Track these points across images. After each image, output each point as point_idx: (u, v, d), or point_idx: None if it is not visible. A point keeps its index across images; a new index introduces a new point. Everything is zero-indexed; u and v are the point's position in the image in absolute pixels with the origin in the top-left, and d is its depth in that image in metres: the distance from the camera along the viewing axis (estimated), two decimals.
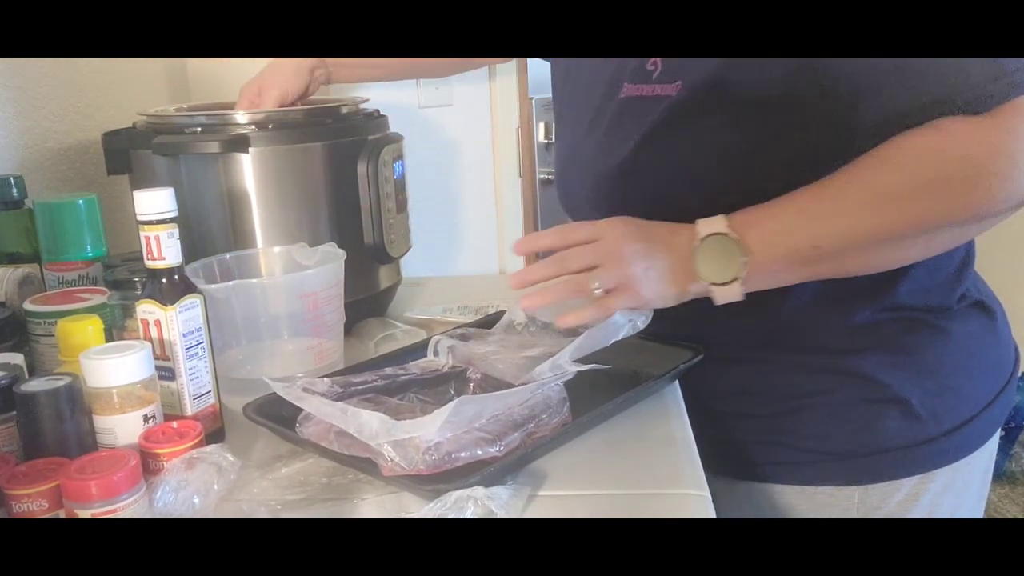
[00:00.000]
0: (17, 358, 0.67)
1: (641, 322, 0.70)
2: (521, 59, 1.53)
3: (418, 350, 0.80)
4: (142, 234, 0.66)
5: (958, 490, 0.79)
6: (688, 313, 0.70)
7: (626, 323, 0.70)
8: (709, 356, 0.78)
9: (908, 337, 0.76)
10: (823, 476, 0.78)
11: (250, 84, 0.97)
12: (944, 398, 0.76)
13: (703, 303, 0.68)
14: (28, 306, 0.72)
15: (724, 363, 0.79)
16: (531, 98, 1.58)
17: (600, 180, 0.78)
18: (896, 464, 0.76)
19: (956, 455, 0.77)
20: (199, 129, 0.87)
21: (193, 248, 0.88)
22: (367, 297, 0.98)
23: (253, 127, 0.87)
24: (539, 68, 1.59)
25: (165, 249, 0.66)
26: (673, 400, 0.74)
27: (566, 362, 0.67)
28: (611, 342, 0.72)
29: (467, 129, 1.47)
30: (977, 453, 0.79)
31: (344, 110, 0.95)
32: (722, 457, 0.78)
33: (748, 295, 0.67)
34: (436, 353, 0.76)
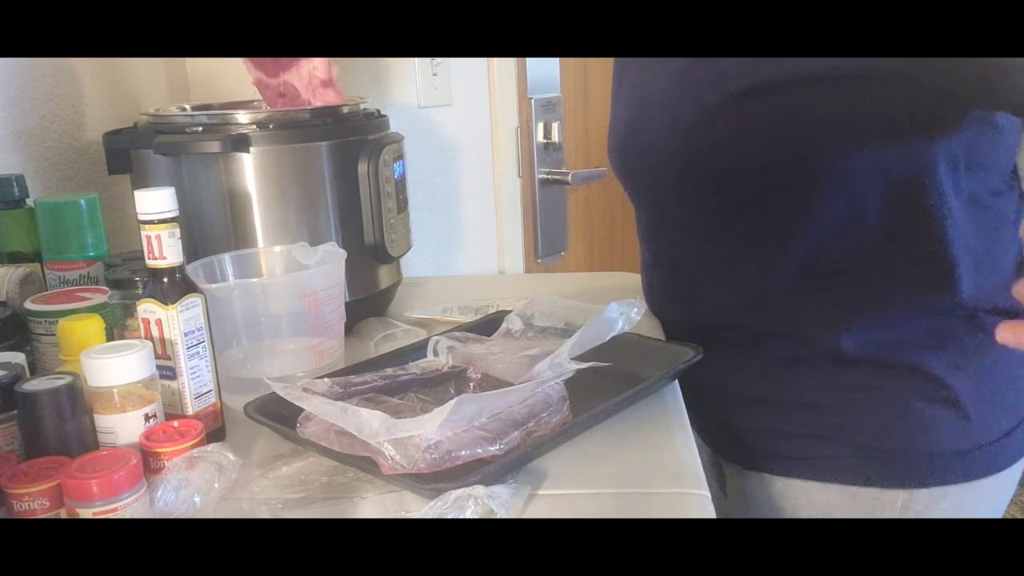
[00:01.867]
0: (18, 357, 0.67)
1: (635, 314, 0.70)
2: (520, 59, 1.54)
3: (418, 350, 0.80)
4: (143, 233, 0.66)
5: (996, 502, 0.77)
6: (747, 296, 0.67)
7: (620, 317, 0.70)
8: (755, 335, 0.75)
9: (971, 339, 0.74)
10: (870, 476, 0.75)
11: None
12: (994, 405, 0.75)
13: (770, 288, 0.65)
14: (29, 305, 0.72)
15: (770, 342, 0.77)
16: (530, 98, 1.58)
17: (676, 122, 0.74)
18: (947, 468, 0.74)
19: (1001, 464, 0.76)
20: (200, 129, 0.87)
21: (194, 247, 0.88)
22: (367, 297, 0.99)
23: (254, 126, 0.87)
24: (538, 68, 1.59)
25: (166, 248, 0.67)
26: (673, 399, 0.75)
27: (565, 360, 0.68)
28: (608, 337, 0.72)
29: (467, 129, 1.47)
30: (1016, 465, 0.77)
31: (345, 110, 0.95)
32: (755, 451, 0.76)
33: (811, 278, 0.64)
34: (436, 353, 0.77)
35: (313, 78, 0.96)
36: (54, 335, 0.70)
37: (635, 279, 1.18)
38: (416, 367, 0.75)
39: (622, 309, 0.70)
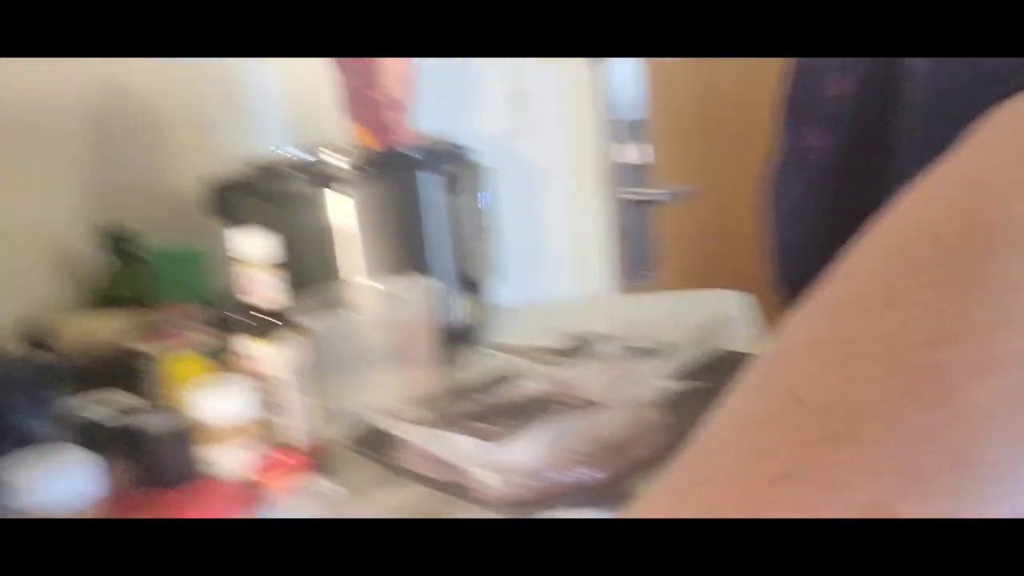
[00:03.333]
0: (129, 396, 0.70)
1: (728, 330, 0.68)
2: (601, 82, 1.54)
3: (508, 377, 0.80)
4: (248, 275, 0.69)
5: None
6: None
7: (712, 334, 0.68)
8: None
9: None
10: None
11: None
12: None
13: None
14: (140, 347, 0.76)
15: None
16: (612, 118, 1.57)
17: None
18: None
19: None
20: (298, 171, 0.90)
21: (293, 284, 0.91)
22: (456, 325, 1.00)
23: (349, 167, 0.90)
24: (621, 89, 1.59)
25: (270, 289, 0.69)
26: None
27: (658, 380, 0.66)
28: (702, 354, 0.70)
29: (548, 153, 1.48)
30: None
31: (433, 145, 0.98)
32: None
33: None
34: (529, 379, 0.76)
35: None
36: (162, 374, 0.74)
37: (734, 297, 1.15)
38: (507, 392, 0.75)
39: (714, 326, 0.68)
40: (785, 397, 0.22)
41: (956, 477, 0.18)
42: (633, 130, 1.60)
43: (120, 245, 0.88)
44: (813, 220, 0.56)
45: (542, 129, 1.46)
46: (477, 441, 0.58)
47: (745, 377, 0.24)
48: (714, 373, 0.69)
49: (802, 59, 0.72)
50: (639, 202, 1.62)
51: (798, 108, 0.63)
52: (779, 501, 0.19)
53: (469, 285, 0.97)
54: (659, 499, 0.23)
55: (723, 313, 0.73)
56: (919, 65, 0.41)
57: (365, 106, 1.00)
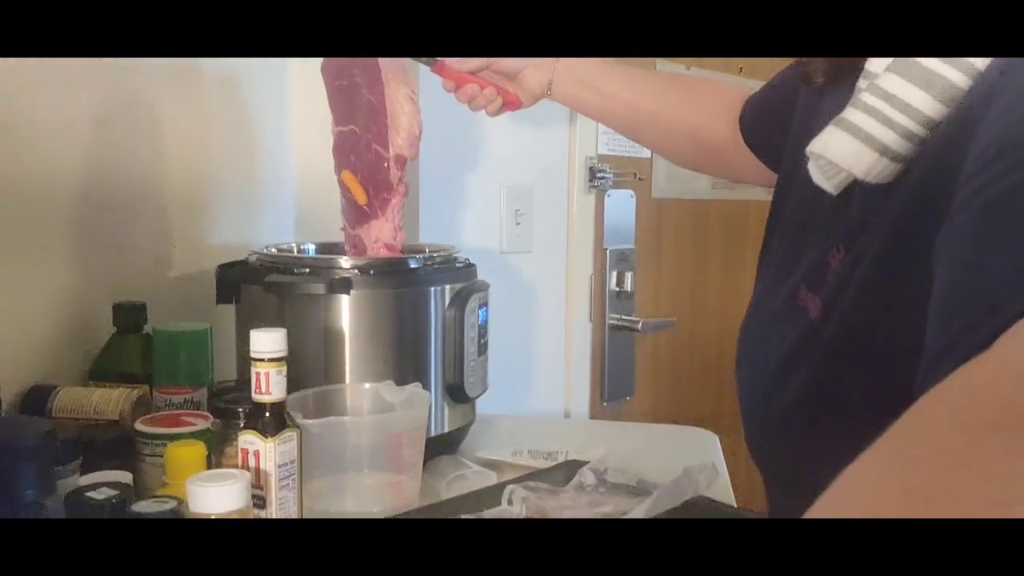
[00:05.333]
0: (126, 476, 0.72)
1: (709, 479, 0.72)
2: (598, 210, 1.62)
3: (492, 496, 0.82)
4: (253, 369, 0.72)
5: None
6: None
7: (694, 481, 0.71)
8: None
9: None
10: None
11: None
12: None
13: None
14: (140, 427, 0.78)
15: None
16: (606, 248, 1.65)
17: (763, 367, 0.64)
18: None
19: None
20: (307, 270, 0.94)
21: (289, 380, 0.94)
22: (442, 435, 1.02)
23: (356, 271, 0.94)
24: (615, 220, 1.67)
25: (272, 385, 0.72)
26: None
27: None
28: (681, 502, 0.73)
29: (543, 274, 1.54)
30: None
31: (438, 258, 1.02)
32: None
33: None
34: (511, 502, 0.79)
35: (379, 240, 1.04)
36: (159, 456, 0.75)
37: (706, 436, 1.19)
38: (490, 515, 0.77)
39: (697, 472, 0.71)
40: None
41: None
42: (623, 259, 1.68)
43: (130, 319, 0.91)
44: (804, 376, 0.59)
45: (540, 248, 1.52)
46: None
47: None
48: (686, 515, 0.72)
49: (789, 218, 0.74)
50: (623, 328, 1.67)
51: (793, 267, 0.66)
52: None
53: (461, 397, 1.00)
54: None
55: (702, 458, 0.76)
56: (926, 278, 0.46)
57: (363, 157, 1.04)
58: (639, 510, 0.69)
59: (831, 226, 0.61)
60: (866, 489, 0.30)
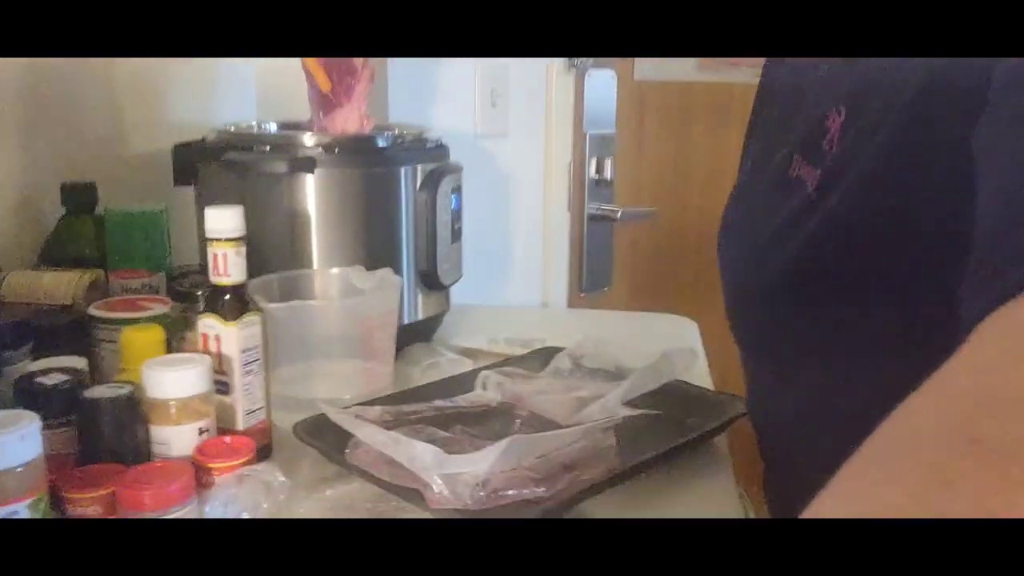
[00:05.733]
0: (81, 362, 0.68)
1: (687, 363, 0.70)
2: (578, 93, 1.55)
3: (466, 382, 0.80)
4: (210, 250, 0.68)
5: None
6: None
7: (672, 365, 0.70)
8: None
9: None
10: None
11: None
12: None
13: None
14: (94, 311, 0.74)
15: None
16: (586, 133, 1.59)
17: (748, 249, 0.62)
18: None
19: None
20: (267, 148, 0.88)
21: (252, 264, 0.90)
22: (416, 323, 0.99)
23: (320, 149, 0.89)
24: (595, 104, 1.60)
25: (231, 266, 0.68)
26: (721, 452, 0.74)
27: (616, 405, 0.67)
28: (659, 384, 0.72)
29: (521, 160, 1.49)
30: None
31: (408, 137, 0.97)
32: None
33: None
34: (485, 387, 0.77)
35: (345, 130, 0.96)
36: (115, 342, 0.72)
37: (685, 323, 1.18)
38: (465, 400, 0.75)
39: (675, 357, 0.69)
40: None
41: None
42: (603, 145, 1.62)
43: (79, 200, 0.85)
44: (794, 251, 0.56)
45: (517, 133, 1.46)
46: (435, 449, 0.58)
47: None
48: (663, 401, 0.71)
49: (782, 84, 0.69)
50: (602, 217, 1.64)
51: (788, 136, 0.61)
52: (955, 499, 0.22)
53: (434, 284, 0.97)
54: (839, 499, 0.26)
55: (681, 344, 0.74)
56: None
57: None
58: (616, 393, 0.68)
59: (830, 85, 0.56)
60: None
